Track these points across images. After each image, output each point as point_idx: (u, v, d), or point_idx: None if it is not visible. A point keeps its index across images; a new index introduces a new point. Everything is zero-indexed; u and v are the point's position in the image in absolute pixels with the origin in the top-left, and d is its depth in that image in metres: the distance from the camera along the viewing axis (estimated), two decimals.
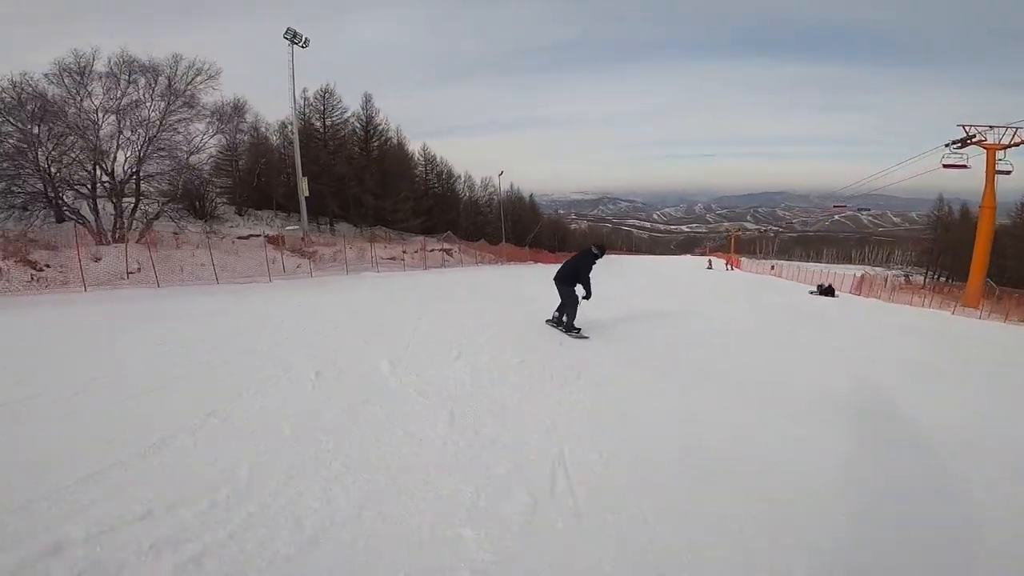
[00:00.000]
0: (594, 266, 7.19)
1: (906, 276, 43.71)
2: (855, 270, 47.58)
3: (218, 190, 25.64)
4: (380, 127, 32.47)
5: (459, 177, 43.51)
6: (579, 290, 7.05)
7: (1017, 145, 26.28)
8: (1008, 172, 26.10)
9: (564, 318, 7.19)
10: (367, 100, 31.74)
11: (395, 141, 34.68)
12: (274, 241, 20.53)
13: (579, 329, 7.02)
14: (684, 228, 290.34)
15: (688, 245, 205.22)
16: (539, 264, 40.53)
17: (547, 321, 7.63)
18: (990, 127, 26.89)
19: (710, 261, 53.75)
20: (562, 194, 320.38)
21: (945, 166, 27.01)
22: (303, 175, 20.61)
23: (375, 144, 32.17)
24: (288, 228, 21.52)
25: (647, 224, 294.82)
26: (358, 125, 31.72)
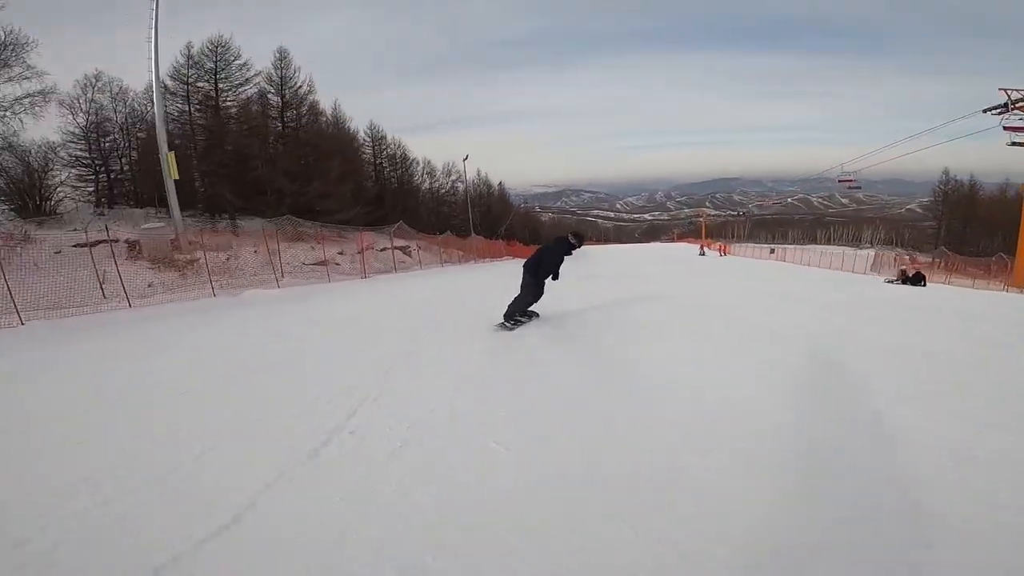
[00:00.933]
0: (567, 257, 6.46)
1: (910, 256, 39.87)
2: (843, 250, 43.85)
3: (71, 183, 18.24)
4: (301, 90, 24.95)
5: (415, 161, 36.44)
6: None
7: None
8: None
9: (517, 306, 6.22)
10: (281, 58, 24.14)
11: (330, 116, 27.49)
12: (133, 247, 13.47)
13: (530, 316, 6.45)
14: (647, 216, 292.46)
15: (652, 232, 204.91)
16: (517, 259, 34.35)
17: (510, 322, 6.17)
18: None
19: (703, 248, 50.54)
20: (525, 188, 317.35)
21: (1007, 128, 22.68)
22: (169, 149, 13.51)
23: (293, 113, 24.73)
24: (147, 226, 14.33)
25: (611, 214, 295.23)
26: (270, 88, 24.22)
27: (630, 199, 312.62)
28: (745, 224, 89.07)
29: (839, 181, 34.02)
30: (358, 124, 31.59)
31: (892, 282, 17.11)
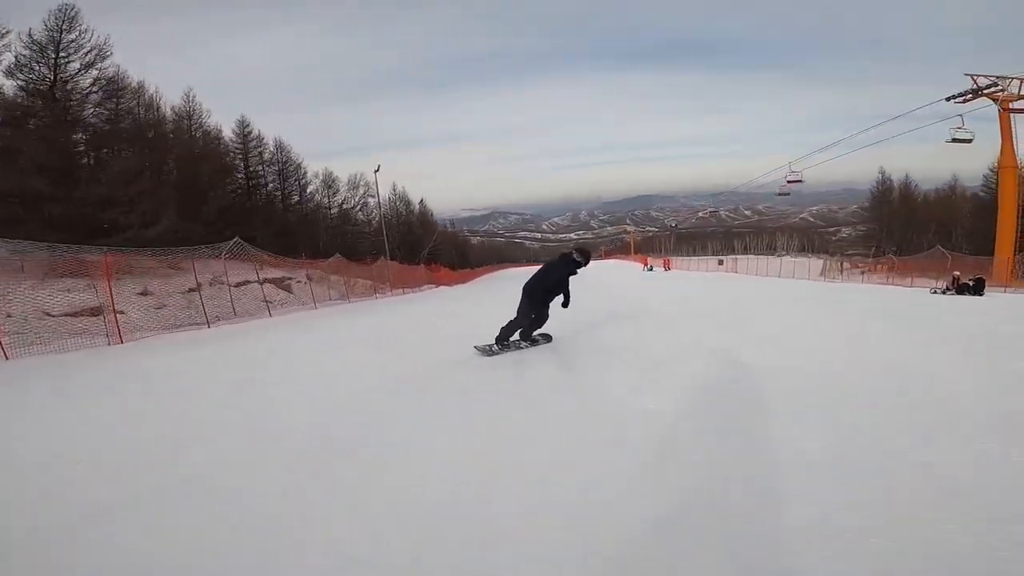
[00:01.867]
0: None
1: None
2: (794, 259, 41.93)
3: None
4: (84, 48, 16.87)
5: (301, 166, 29.06)
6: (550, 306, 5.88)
7: None
8: (968, 140, 21.71)
9: (509, 330, 5.62)
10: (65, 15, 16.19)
11: (151, 95, 19.93)
12: None
13: (534, 340, 5.91)
14: (572, 236, 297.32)
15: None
16: (442, 288, 28.04)
17: (498, 345, 5.62)
18: (998, 79, 19.92)
19: (647, 263, 48.45)
20: (452, 212, 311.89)
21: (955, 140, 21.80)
22: None
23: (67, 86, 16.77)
24: None
25: (538, 235, 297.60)
26: (24, 53, 16.02)
27: (556, 219, 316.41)
28: (670, 238, 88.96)
29: (788, 182, 30.65)
30: (226, 121, 24.13)
31: (945, 292, 12.75)
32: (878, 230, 40.50)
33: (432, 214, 53.73)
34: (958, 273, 14.08)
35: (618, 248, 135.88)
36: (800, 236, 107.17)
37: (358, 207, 34.06)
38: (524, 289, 5.76)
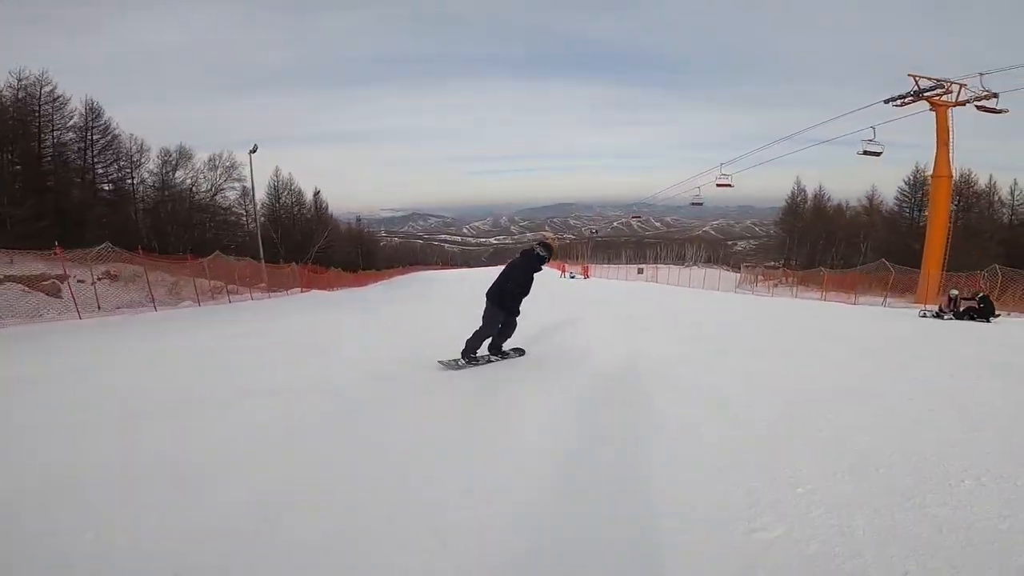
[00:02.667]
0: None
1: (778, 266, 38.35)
2: (711, 270, 41.19)
3: None
4: None
5: (137, 142, 22.80)
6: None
7: (967, 104, 18.98)
8: (878, 154, 21.78)
9: (475, 342, 5.24)
10: None
11: None
12: None
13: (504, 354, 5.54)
14: (492, 240, 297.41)
15: (498, 256, 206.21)
16: (313, 292, 22.79)
17: (464, 359, 5.23)
18: (940, 81, 19.11)
19: (566, 271, 45.22)
20: (371, 212, 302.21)
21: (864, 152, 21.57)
22: None
23: None
24: None
25: (457, 238, 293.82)
26: None
27: (476, 223, 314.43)
28: (588, 245, 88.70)
29: (717, 185, 29.34)
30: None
31: (941, 315, 10.41)
32: (790, 240, 40.86)
33: (327, 207, 47.64)
34: (956, 292, 11.62)
35: None
36: (706, 247, 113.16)
37: (215, 192, 27.54)
38: (488, 294, 5.37)
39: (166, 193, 24.90)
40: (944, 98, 18.64)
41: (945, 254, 18.70)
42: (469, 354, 5.19)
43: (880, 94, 20.54)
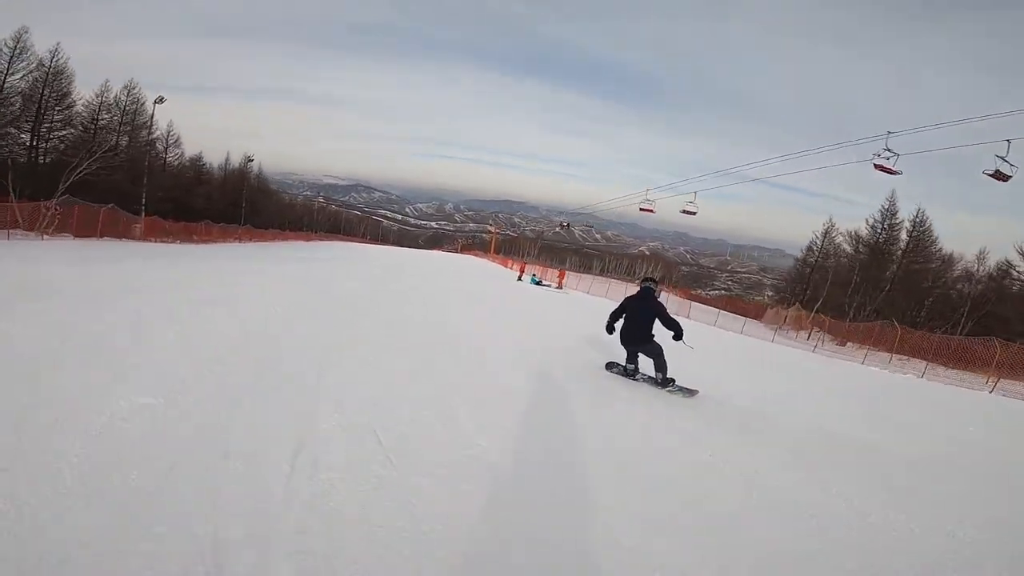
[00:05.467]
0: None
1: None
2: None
3: None
4: None
5: None
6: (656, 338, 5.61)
7: None
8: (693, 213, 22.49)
9: (658, 373, 5.68)
10: None
11: None
12: None
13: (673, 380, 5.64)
14: (433, 224, 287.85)
15: (436, 240, 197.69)
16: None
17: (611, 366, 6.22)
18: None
19: (524, 272, 32.29)
20: (314, 176, 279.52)
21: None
22: None
23: None
24: None
25: (398, 216, 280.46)
26: None
27: (420, 205, 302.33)
28: (535, 245, 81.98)
29: (685, 211, 24.45)
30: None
31: None
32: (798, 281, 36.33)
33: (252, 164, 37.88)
34: None
35: (476, 244, 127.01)
36: (663, 267, 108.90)
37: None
38: (626, 344, 5.81)
39: None
40: None
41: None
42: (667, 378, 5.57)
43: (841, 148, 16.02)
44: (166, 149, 36.94)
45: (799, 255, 42.14)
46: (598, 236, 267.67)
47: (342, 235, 75.18)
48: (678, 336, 5.45)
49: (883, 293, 31.31)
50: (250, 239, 35.22)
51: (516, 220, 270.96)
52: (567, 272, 34.99)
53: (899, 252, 33.70)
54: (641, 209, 24.17)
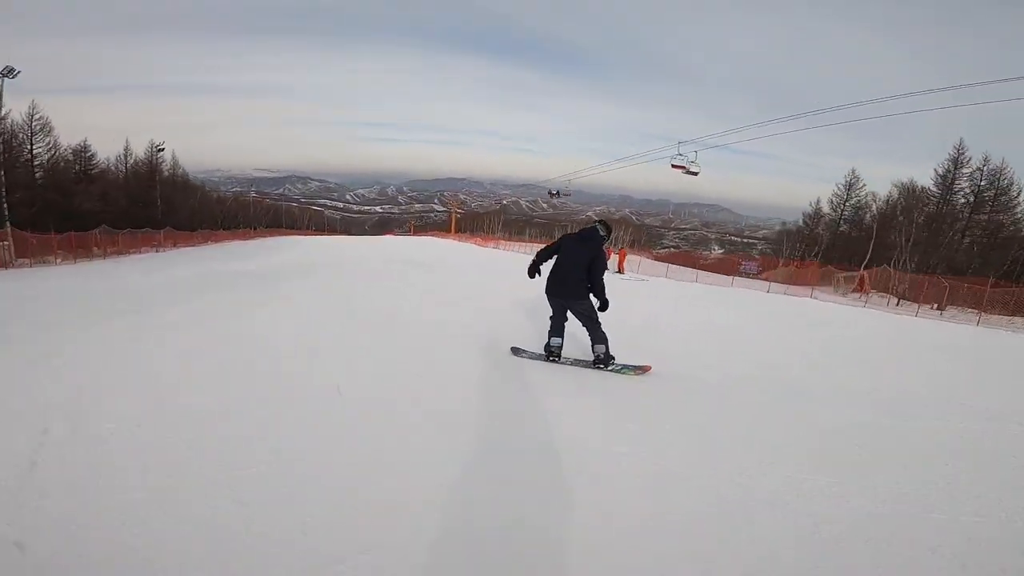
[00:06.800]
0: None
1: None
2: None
3: None
4: None
5: None
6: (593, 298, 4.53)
7: None
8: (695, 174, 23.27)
9: (598, 347, 4.57)
10: None
11: None
12: None
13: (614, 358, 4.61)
14: (377, 209, 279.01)
15: (383, 225, 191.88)
16: None
17: (551, 357, 4.75)
18: None
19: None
20: (241, 171, 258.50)
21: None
22: None
23: None
24: None
25: (340, 204, 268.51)
26: None
27: (361, 191, 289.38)
28: (498, 218, 77.87)
29: (679, 166, 24.11)
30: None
31: None
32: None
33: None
34: None
35: (434, 224, 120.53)
36: (633, 232, 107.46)
37: None
38: (550, 295, 4.62)
39: None
40: None
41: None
42: (608, 355, 4.66)
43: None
44: (30, 138, 28.95)
45: (798, 216, 41.16)
46: (544, 205, 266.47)
47: (285, 229, 67.11)
48: (603, 307, 4.53)
49: (960, 245, 29.74)
50: (174, 244, 28.76)
51: (462, 196, 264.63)
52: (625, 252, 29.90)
53: (970, 202, 32.19)
54: (673, 166, 23.19)
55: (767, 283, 24.81)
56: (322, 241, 40.38)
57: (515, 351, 5.09)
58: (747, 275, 28.79)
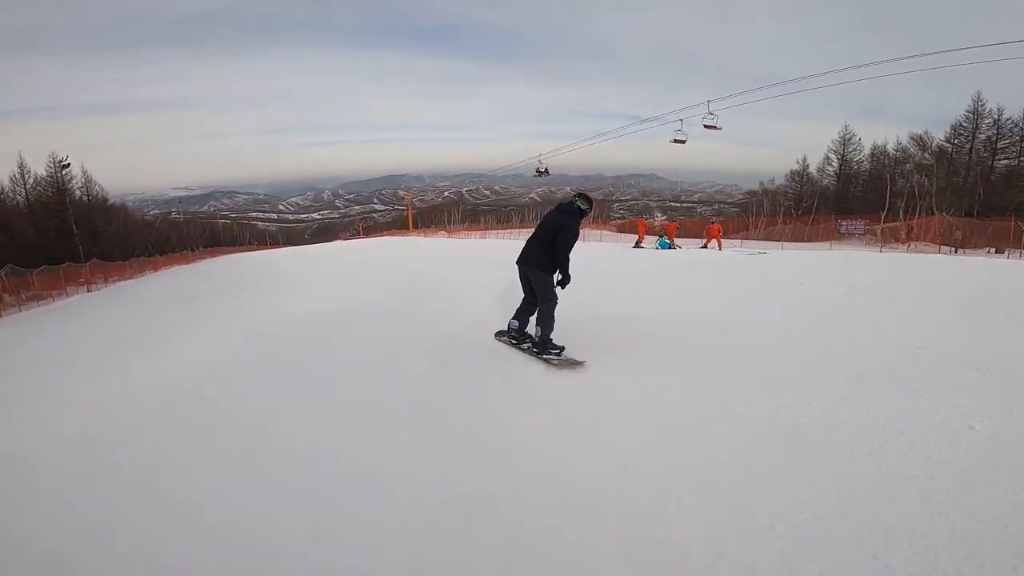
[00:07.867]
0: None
1: None
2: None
3: None
4: None
5: None
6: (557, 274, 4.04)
7: None
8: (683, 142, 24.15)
9: (536, 328, 4.11)
10: None
11: None
12: None
13: (561, 348, 4.00)
14: (315, 216, 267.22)
15: (324, 231, 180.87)
16: None
17: (499, 334, 4.57)
18: None
19: (642, 237, 21.76)
20: (158, 192, 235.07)
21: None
22: None
23: None
24: None
25: (273, 215, 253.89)
26: None
27: (294, 199, 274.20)
28: (457, 209, 73.72)
29: (706, 126, 23.87)
30: None
31: None
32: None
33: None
34: None
35: (384, 224, 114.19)
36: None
37: None
38: (520, 263, 4.26)
39: None
40: None
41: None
42: (547, 342, 4.04)
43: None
44: None
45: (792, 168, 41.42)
46: (487, 192, 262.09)
47: (228, 247, 59.60)
48: (564, 282, 4.10)
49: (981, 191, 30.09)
50: (105, 279, 23.06)
51: (401, 193, 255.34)
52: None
53: (989, 150, 33.06)
54: (706, 126, 23.28)
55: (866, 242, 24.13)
56: (307, 253, 24.70)
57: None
58: (852, 235, 27.78)
